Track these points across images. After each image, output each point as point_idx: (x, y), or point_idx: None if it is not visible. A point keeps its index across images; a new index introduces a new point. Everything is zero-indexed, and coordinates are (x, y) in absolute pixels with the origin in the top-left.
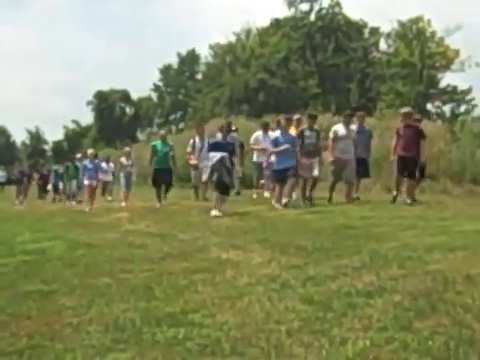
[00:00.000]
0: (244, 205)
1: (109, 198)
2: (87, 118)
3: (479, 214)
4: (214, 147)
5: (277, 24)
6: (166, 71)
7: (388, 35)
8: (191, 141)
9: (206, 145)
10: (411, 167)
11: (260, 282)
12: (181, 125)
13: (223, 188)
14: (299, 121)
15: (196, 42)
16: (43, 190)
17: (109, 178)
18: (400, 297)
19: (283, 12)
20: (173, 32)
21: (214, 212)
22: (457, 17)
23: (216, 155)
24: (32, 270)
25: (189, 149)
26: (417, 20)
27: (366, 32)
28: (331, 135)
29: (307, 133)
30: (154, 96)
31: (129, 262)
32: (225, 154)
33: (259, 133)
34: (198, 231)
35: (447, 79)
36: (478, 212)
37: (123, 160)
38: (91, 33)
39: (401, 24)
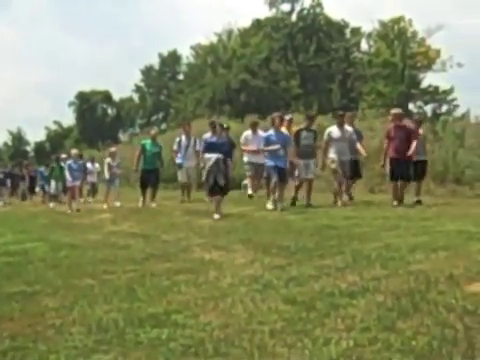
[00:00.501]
0: (227, 206)
1: (90, 199)
2: (69, 119)
3: (461, 214)
4: (210, 147)
5: (258, 25)
6: (148, 72)
7: (369, 35)
8: (177, 139)
9: (192, 143)
10: (405, 169)
11: (243, 283)
12: (163, 126)
13: (219, 190)
14: (291, 122)
15: (177, 42)
16: (31, 191)
17: (94, 179)
18: (383, 297)
19: (264, 12)
20: (155, 32)
21: (216, 216)
22: (438, 17)
23: (211, 157)
24: (15, 271)
25: (175, 147)
26: (398, 20)
27: (347, 32)
28: (325, 137)
29: (304, 134)
30: (136, 97)
31: (112, 263)
32: (220, 156)
33: (248, 132)
34: (181, 232)
35: (428, 79)
36: (460, 212)
37: (109, 160)
38: (72, 33)
39: (382, 24)
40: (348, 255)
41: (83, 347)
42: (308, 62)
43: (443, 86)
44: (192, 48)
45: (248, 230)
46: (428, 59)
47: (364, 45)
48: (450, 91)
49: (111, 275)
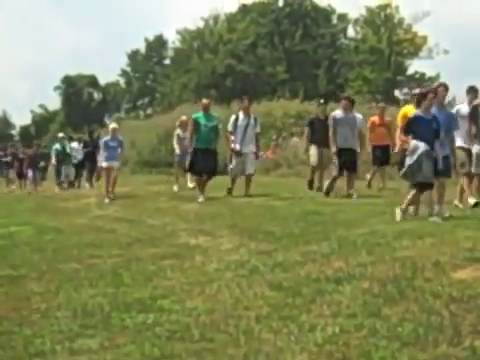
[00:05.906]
0: (214, 191)
1: (86, 185)
2: (54, 103)
3: (448, 201)
4: (419, 122)
5: (245, 10)
6: (134, 56)
7: (356, 21)
8: (233, 117)
9: (253, 123)
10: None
11: (229, 268)
12: (149, 110)
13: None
14: (384, 109)
15: (163, 27)
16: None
17: None
18: (369, 284)
19: None
20: (141, 16)
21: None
22: (425, 4)
23: (420, 146)
24: (0, 255)
25: (230, 128)
26: (385, 6)
27: (334, 18)
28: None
29: None
30: (122, 81)
31: (98, 247)
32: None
33: (338, 112)
34: (167, 217)
35: (415, 66)
36: (447, 199)
37: (179, 132)
38: (58, 16)
39: (369, 10)
40: (334, 241)
41: (68, 331)
42: (294, 48)
43: (429, 73)
44: (178, 33)
45: (233, 215)
46: (414, 46)
47: (351, 31)
48: (436, 78)
49: (97, 259)
